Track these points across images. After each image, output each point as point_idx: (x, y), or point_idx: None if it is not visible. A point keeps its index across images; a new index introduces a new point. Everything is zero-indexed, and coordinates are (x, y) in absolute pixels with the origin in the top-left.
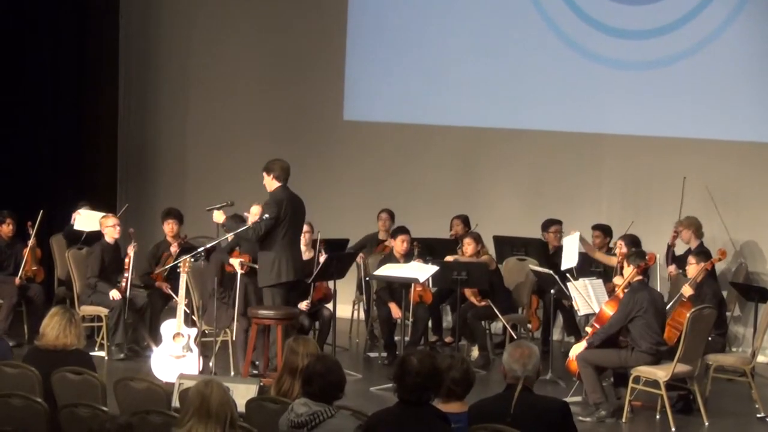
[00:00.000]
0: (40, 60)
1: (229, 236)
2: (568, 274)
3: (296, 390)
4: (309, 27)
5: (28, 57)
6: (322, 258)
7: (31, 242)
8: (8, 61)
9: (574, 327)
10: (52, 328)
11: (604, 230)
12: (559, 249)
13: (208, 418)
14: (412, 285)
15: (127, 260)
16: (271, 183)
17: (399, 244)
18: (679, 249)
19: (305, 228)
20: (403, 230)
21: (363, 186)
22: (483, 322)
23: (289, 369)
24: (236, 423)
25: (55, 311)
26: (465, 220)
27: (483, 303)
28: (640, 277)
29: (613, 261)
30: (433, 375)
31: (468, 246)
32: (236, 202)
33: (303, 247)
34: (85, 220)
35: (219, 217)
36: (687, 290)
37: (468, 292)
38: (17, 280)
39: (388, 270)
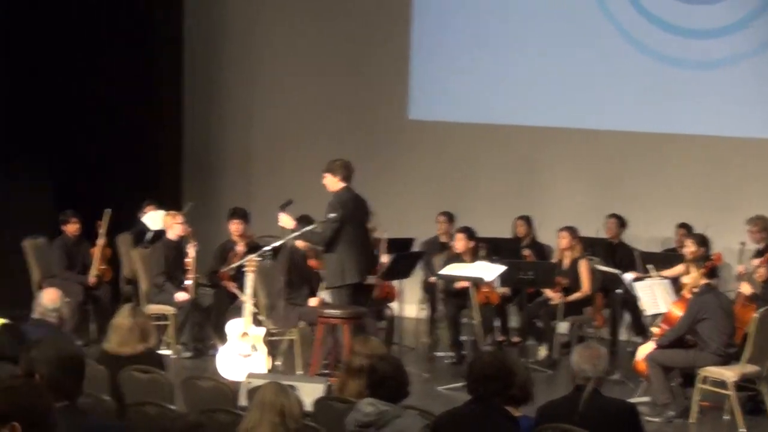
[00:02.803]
0: (106, 60)
1: (294, 235)
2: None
3: (359, 390)
4: (374, 25)
5: (93, 57)
6: (384, 258)
7: (100, 242)
8: (74, 62)
9: (641, 327)
10: (116, 333)
11: (689, 228)
12: (619, 244)
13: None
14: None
15: (189, 260)
16: (335, 183)
17: (456, 243)
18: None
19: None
20: (462, 229)
21: (427, 185)
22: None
23: (352, 369)
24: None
25: (120, 314)
26: (528, 221)
27: (560, 299)
28: (706, 280)
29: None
30: (503, 374)
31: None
32: (301, 201)
33: None
34: (154, 218)
35: (288, 222)
36: (746, 288)
37: (548, 290)
38: (92, 279)
39: (455, 269)
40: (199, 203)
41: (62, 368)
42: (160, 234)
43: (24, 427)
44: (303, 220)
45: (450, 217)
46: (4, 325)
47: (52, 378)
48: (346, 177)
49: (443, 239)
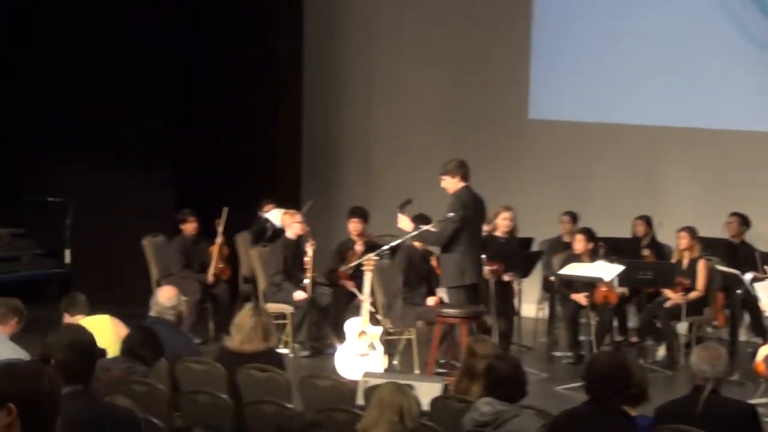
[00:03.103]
0: (227, 60)
1: (412, 234)
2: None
3: (476, 390)
4: (494, 24)
5: (214, 57)
6: None
7: (218, 240)
8: (194, 61)
9: (761, 327)
10: (239, 331)
11: None
12: (740, 243)
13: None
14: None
15: (307, 259)
16: (454, 184)
17: (576, 244)
18: None
19: (485, 228)
20: (582, 230)
21: (546, 184)
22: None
23: (468, 370)
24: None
25: (244, 313)
26: (647, 221)
27: (680, 299)
28: None
29: None
30: (621, 374)
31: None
32: (420, 200)
33: None
34: (276, 216)
35: (407, 224)
36: None
37: (668, 291)
38: (210, 278)
39: (574, 269)
40: (318, 202)
41: (76, 353)
42: (278, 233)
43: (20, 409)
44: (421, 219)
45: (573, 217)
46: (139, 326)
47: (66, 363)
48: (465, 176)
49: (566, 239)
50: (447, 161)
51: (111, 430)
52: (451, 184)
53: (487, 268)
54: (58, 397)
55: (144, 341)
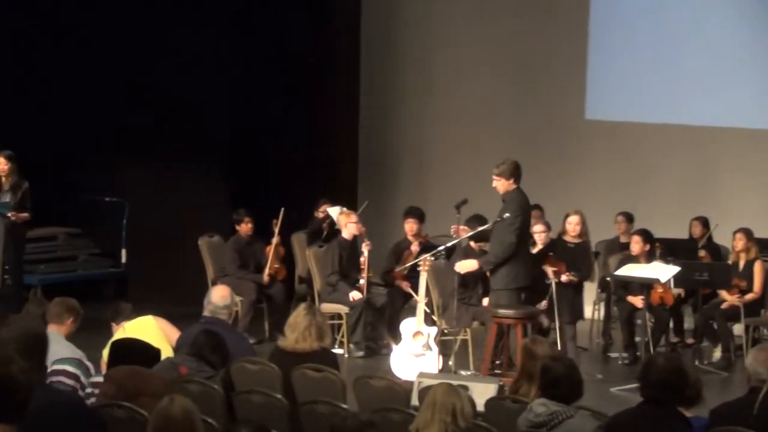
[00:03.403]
0: (283, 60)
1: (468, 235)
2: None
3: (533, 391)
4: (551, 24)
5: (271, 58)
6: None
7: (274, 240)
8: (252, 62)
9: None
10: (293, 331)
11: None
12: None
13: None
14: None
15: (362, 259)
16: (507, 185)
17: (633, 245)
18: None
19: (542, 228)
20: (639, 232)
21: (603, 185)
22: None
23: (526, 371)
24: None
25: (298, 313)
26: (704, 222)
27: (737, 300)
28: None
29: None
30: (677, 376)
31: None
32: (475, 200)
33: (541, 246)
34: (335, 212)
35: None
36: None
37: (724, 293)
38: (265, 278)
39: (630, 270)
40: (374, 202)
41: (26, 345)
42: (334, 233)
43: None
44: (476, 220)
45: (629, 218)
46: (206, 331)
47: (19, 353)
48: (518, 178)
49: (623, 240)
50: (500, 162)
51: (62, 414)
52: (504, 185)
53: (549, 270)
54: (29, 383)
55: (214, 347)
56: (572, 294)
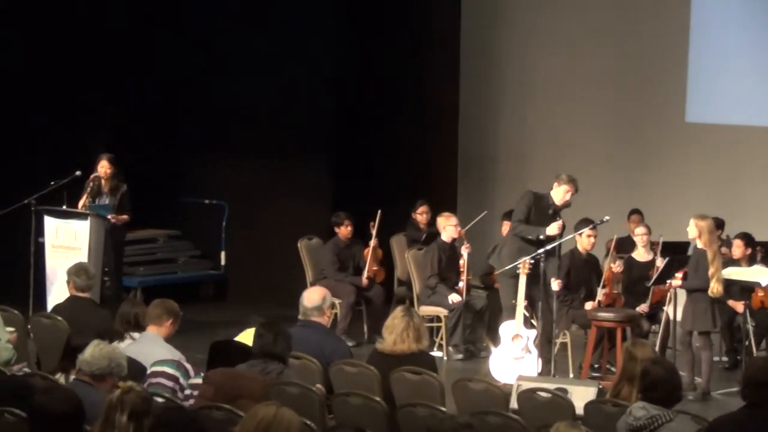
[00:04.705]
0: (384, 63)
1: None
2: None
3: (634, 395)
4: (651, 27)
5: (371, 59)
6: (659, 261)
7: (372, 243)
8: (352, 62)
9: None
10: (390, 333)
11: None
12: None
13: None
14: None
15: (462, 262)
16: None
17: (734, 249)
18: None
19: (643, 230)
20: (740, 236)
21: (702, 188)
22: None
23: (627, 374)
24: None
25: (395, 315)
26: None
27: None
28: None
29: None
30: None
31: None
32: (576, 203)
33: (642, 249)
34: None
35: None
36: None
37: None
38: (364, 281)
39: (731, 274)
40: (472, 205)
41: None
42: (433, 235)
43: None
44: (583, 222)
45: (719, 224)
46: (262, 325)
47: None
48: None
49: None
50: (572, 175)
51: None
52: (566, 196)
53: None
54: None
55: (275, 339)
56: None
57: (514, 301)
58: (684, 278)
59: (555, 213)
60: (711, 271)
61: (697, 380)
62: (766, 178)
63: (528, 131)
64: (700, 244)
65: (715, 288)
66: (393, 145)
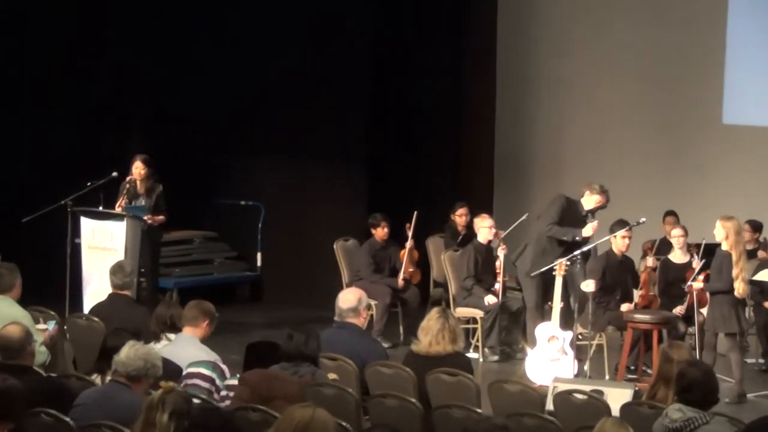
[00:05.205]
0: (419, 64)
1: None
2: None
3: (670, 397)
4: (688, 28)
5: (406, 61)
6: (695, 263)
7: (408, 244)
8: (387, 64)
9: None
10: (426, 334)
11: None
12: None
13: None
14: None
15: (498, 263)
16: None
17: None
18: None
19: (680, 232)
20: None
21: (739, 190)
22: None
23: (663, 376)
24: None
25: (430, 317)
26: None
27: None
28: None
29: None
30: None
31: None
32: (612, 205)
33: (678, 251)
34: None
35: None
36: None
37: None
38: (400, 282)
39: (766, 276)
40: (509, 205)
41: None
42: (469, 237)
43: None
44: (619, 224)
45: (755, 227)
46: (294, 329)
47: None
48: None
49: (749, 247)
50: (603, 186)
51: None
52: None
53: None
54: None
55: (306, 340)
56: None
57: (550, 303)
58: (706, 280)
59: (587, 216)
60: (735, 272)
61: (728, 381)
62: None
63: (564, 132)
64: (725, 246)
65: (740, 288)
66: (429, 147)
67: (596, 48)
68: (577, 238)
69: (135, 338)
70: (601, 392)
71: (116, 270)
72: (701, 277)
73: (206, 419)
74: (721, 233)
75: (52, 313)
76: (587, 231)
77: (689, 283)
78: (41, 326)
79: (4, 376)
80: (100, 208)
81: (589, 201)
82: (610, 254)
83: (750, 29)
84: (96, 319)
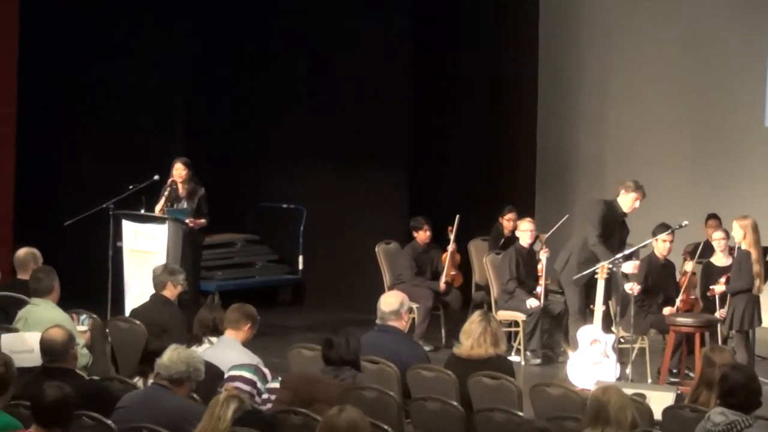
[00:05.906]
0: (461, 64)
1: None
2: None
3: (713, 401)
4: (731, 29)
5: (445, 61)
6: None
7: (450, 247)
8: (426, 64)
9: None
10: (467, 337)
11: None
12: None
13: (606, 425)
14: None
15: (540, 266)
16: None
17: None
18: None
19: (721, 235)
20: None
21: None
22: None
23: (705, 379)
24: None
25: (472, 320)
26: None
27: None
28: None
29: None
30: None
31: None
32: (654, 206)
33: (720, 254)
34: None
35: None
36: None
37: None
38: (442, 285)
39: None
40: (551, 208)
41: None
42: (511, 240)
43: None
44: (661, 227)
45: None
46: (336, 335)
47: None
48: None
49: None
50: (637, 182)
51: None
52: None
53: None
54: None
55: (347, 343)
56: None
57: (591, 306)
58: (727, 282)
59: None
60: (756, 269)
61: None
62: None
63: (606, 135)
64: (744, 245)
65: (760, 286)
66: (471, 150)
67: (638, 50)
68: (615, 269)
69: (163, 335)
70: (643, 395)
71: (155, 270)
72: (723, 279)
73: (248, 422)
74: (739, 233)
75: (95, 316)
76: (628, 268)
77: (711, 287)
78: (81, 328)
79: (59, 384)
80: (142, 211)
81: (626, 200)
82: (652, 258)
83: None
84: (137, 321)
